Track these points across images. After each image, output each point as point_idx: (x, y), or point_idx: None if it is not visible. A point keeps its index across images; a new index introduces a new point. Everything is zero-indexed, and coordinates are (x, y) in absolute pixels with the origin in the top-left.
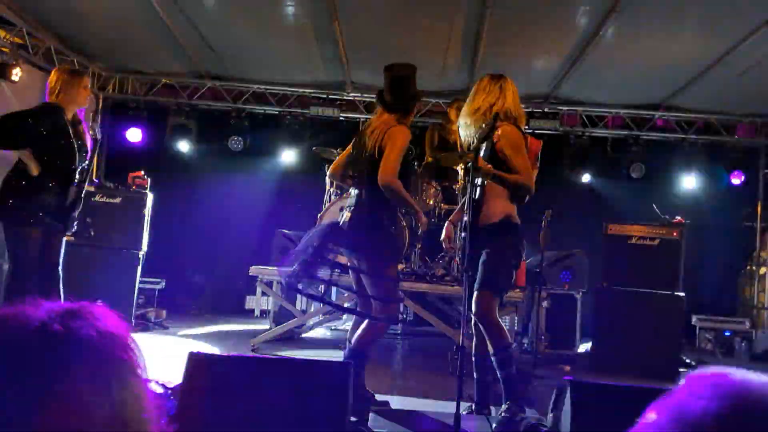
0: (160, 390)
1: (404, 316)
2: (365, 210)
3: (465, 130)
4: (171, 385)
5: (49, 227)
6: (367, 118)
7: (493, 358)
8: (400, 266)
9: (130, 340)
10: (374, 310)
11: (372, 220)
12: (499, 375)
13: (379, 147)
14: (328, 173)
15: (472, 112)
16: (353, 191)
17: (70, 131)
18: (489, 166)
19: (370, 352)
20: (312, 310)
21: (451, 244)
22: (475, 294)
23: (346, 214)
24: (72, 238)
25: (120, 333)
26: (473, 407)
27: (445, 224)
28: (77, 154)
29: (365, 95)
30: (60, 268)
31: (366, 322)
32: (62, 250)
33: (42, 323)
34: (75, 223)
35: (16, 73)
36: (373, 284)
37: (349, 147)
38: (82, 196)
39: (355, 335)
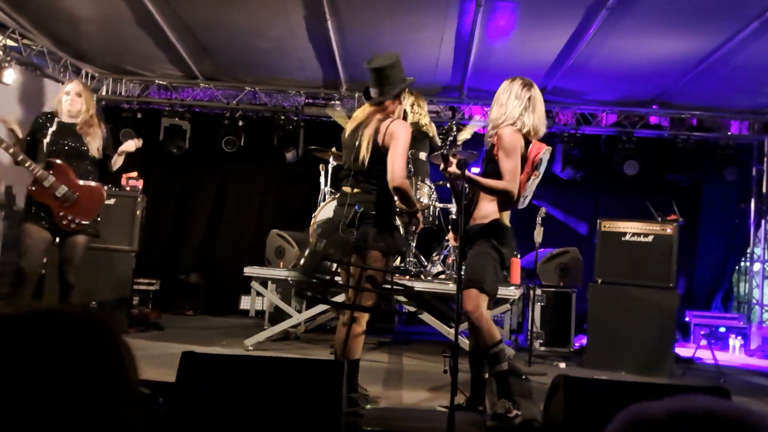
0: (147, 391)
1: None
2: (369, 208)
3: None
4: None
5: (46, 226)
6: None
7: (484, 355)
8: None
9: (121, 341)
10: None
11: (375, 217)
12: (492, 372)
13: (381, 144)
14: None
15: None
16: (352, 189)
17: (48, 131)
18: (459, 171)
19: (359, 351)
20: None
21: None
22: (463, 293)
23: (347, 212)
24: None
25: (109, 334)
26: (467, 404)
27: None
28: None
29: (359, 93)
30: (68, 268)
31: (345, 328)
32: (71, 252)
33: (28, 325)
34: (73, 224)
35: (9, 75)
36: (370, 277)
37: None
38: (68, 195)
39: (340, 343)
